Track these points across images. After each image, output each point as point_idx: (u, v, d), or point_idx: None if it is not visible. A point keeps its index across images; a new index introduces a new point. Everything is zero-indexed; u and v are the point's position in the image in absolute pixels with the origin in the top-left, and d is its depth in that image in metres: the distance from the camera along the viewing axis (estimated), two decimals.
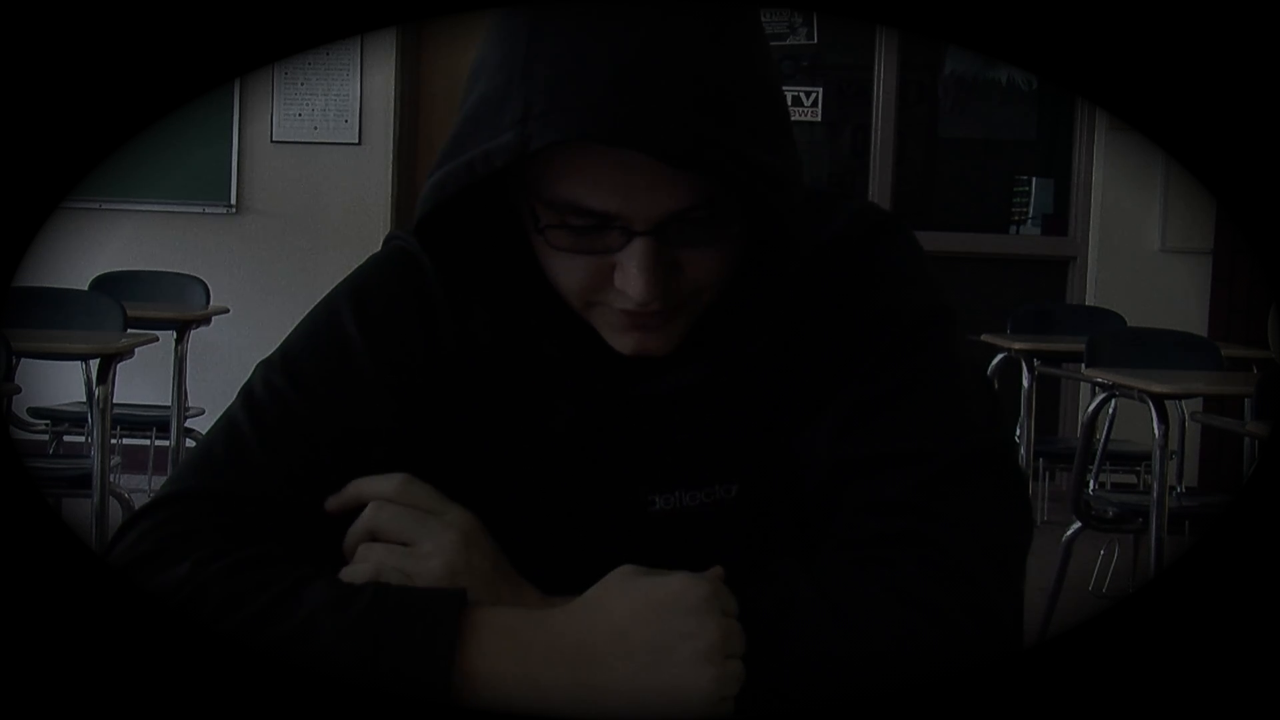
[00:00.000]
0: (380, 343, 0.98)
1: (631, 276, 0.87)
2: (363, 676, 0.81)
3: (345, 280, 1.03)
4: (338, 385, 0.96)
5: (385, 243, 1.06)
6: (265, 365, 0.99)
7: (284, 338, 1.01)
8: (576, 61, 0.83)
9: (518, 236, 0.94)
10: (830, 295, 0.98)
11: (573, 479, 1.00)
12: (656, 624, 0.82)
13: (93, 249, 5.41)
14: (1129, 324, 4.82)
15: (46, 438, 4.56)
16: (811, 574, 0.88)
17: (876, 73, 5.87)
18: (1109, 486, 4.35)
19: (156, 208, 5.68)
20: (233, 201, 5.72)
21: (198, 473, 0.94)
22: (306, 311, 1.02)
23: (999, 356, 4.53)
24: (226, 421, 0.96)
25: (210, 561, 0.86)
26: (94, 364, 3.58)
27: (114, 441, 4.25)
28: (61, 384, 4.58)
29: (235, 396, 0.98)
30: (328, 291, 1.03)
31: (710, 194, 0.86)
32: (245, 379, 0.99)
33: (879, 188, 5.86)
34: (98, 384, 3.42)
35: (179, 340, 4.32)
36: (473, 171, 0.86)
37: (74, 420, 4.52)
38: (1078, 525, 3.66)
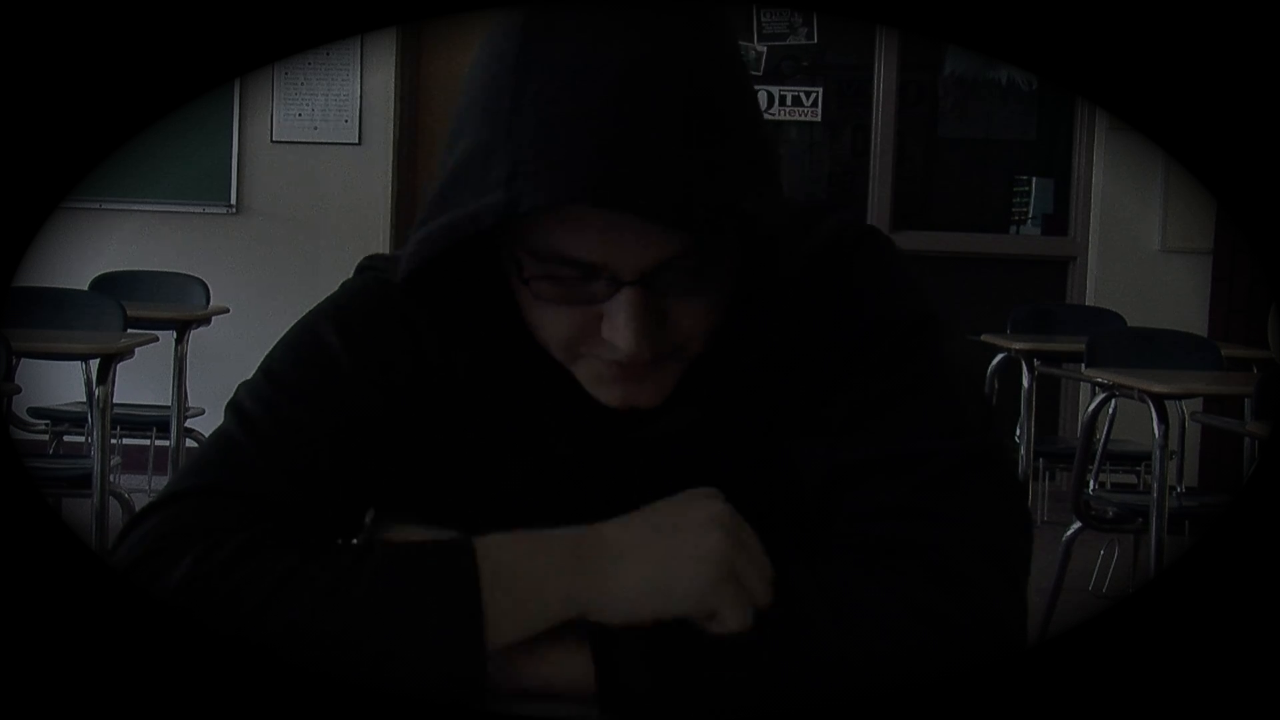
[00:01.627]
0: (363, 354, 0.97)
1: (619, 327, 0.86)
2: (386, 640, 0.82)
3: (322, 303, 1.02)
4: (325, 384, 0.96)
5: (359, 271, 1.04)
6: (248, 384, 0.98)
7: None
8: (563, 115, 0.82)
9: (502, 286, 0.93)
10: (817, 311, 0.97)
11: (560, 514, 0.99)
12: (664, 508, 0.87)
13: (93, 249, 5.41)
14: (1129, 324, 4.81)
15: (46, 438, 4.55)
16: (816, 579, 0.88)
17: (876, 73, 5.87)
18: (1109, 486, 4.34)
19: (156, 208, 5.68)
20: (233, 201, 5.71)
21: (195, 474, 0.94)
22: (306, 311, 1.02)
23: (999, 356, 4.52)
24: (219, 434, 0.96)
25: (210, 554, 0.86)
26: (94, 364, 3.57)
27: (114, 441, 4.24)
28: (61, 384, 4.58)
29: (224, 416, 0.97)
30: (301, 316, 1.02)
31: (698, 241, 0.85)
32: (245, 379, 0.99)
33: (879, 188, 5.85)
34: (98, 384, 3.41)
35: (179, 340, 4.32)
36: (459, 231, 0.85)
37: (74, 420, 4.51)
38: (1078, 525, 3.66)
